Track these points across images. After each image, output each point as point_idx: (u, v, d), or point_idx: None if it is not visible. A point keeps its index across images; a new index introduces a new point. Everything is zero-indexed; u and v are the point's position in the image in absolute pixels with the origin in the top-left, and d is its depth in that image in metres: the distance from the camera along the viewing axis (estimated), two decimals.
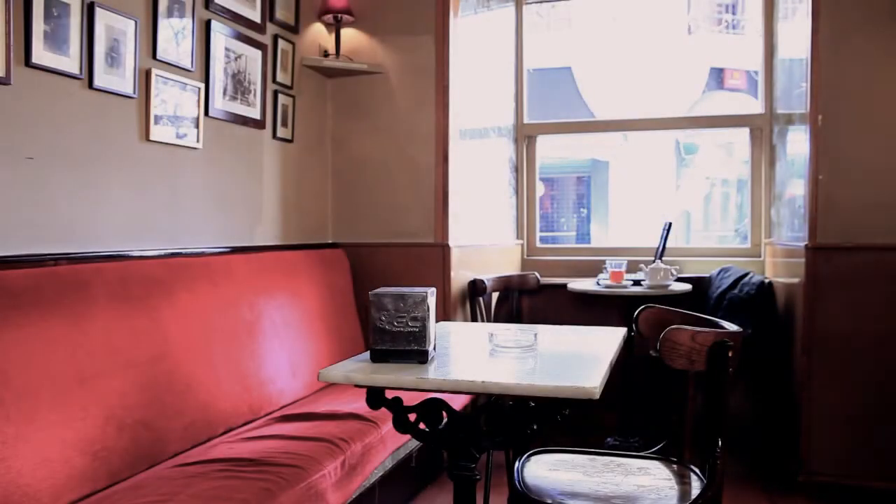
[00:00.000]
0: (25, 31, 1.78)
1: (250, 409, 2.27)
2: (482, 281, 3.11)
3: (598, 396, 1.25)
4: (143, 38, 2.16)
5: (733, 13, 8.52)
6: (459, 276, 3.11)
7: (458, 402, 2.40)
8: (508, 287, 3.32)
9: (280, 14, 2.87)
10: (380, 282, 2.72)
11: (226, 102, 2.55)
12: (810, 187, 2.59)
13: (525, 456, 1.75)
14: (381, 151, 3.20)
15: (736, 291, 2.95)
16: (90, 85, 1.98)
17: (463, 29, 3.17)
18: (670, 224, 3.25)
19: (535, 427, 1.44)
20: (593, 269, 3.44)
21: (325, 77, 3.22)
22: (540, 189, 3.85)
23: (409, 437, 1.86)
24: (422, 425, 1.53)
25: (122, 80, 2.08)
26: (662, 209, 7.07)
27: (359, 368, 1.45)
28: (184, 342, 2.06)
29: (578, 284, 3.20)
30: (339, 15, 3.06)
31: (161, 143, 2.25)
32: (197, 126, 2.40)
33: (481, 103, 3.43)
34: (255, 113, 2.72)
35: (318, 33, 3.16)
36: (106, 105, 2.05)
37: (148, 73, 2.18)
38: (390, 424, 1.61)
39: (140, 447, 1.81)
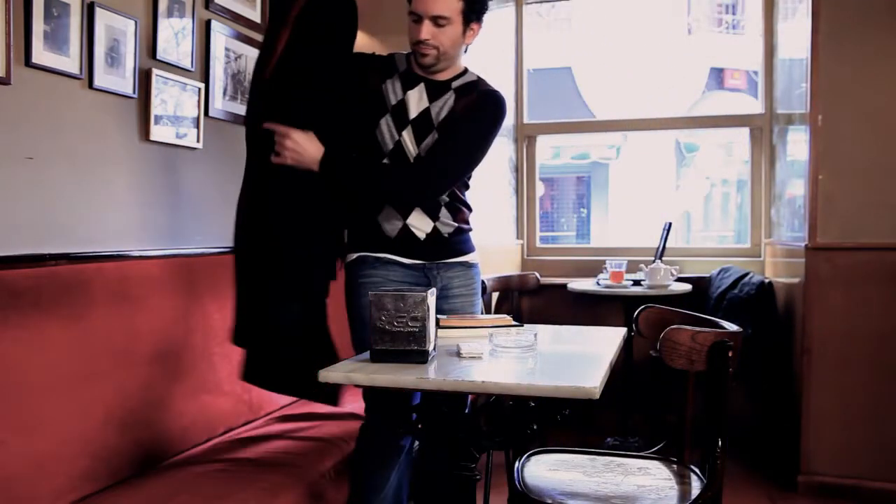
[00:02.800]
0: (25, 31, 1.78)
1: (250, 409, 2.27)
2: (482, 281, 3.11)
3: (598, 396, 1.24)
4: (143, 38, 2.16)
5: (733, 13, 8.53)
6: None
7: None
8: (508, 287, 3.32)
9: None
10: None
11: (226, 102, 2.55)
12: (810, 187, 2.59)
13: (525, 456, 1.75)
14: None
15: (736, 291, 2.95)
16: (90, 85, 1.98)
17: None
18: (670, 224, 3.25)
19: (535, 427, 1.44)
20: (593, 269, 3.44)
21: None
22: (540, 189, 3.85)
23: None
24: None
25: (122, 80, 2.08)
26: (662, 209, 7.09)
27: (359, 368, 1.44)
28: (184, 342, 2.06)
29: (578, 284, 3.20)
30: None
31: (161, 143, 2.25)
32: (197, 126, 2.40)
33: None
34: None
35: None
36: (106, 105, 2.05)
37: (148, 73, 2.18)
38: None
39: (140, 447, 1.81)
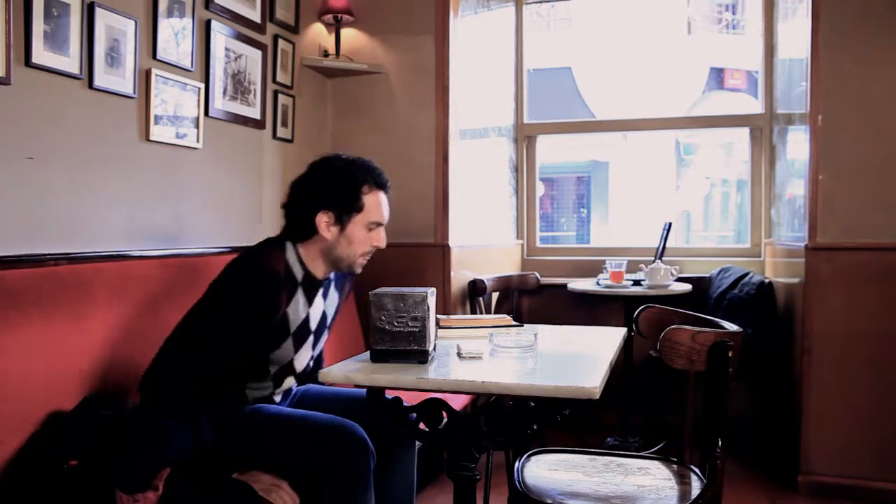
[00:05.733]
0: (25, 31, 1.78)
1: None
2: (482, 281, 3.11)
3: (598, 396, 1.25)
4: (143, 38, 2.16)
5: (733, 13, 8.53)
6: (459, 276, 3.11)
7: (457, 402, 2.40)
8: (508, 287, 3.32)
9: (280, 14, 2.87)
10: (380, 282, 2.71)
11: (226, 102, 2.55)
12: (810, 187, 2.59)
13: (525, 456, 1.75)
14: (382, 151, 3.18)
15: (736, 291, 2.95)
16: (90, 85, 1.98)
17: (463, 29, 3.17)
18: (670, 224, 3.25)
19: (535, 427, 1.44)
20: (593, 269, 3.44)
21: (325, 77, 3.22)
22: (540, 189, 3.85)
23: None
24: (422, 425, 1.53)
25: (122, 80, 2.08)
26: (662, 209, 7.08)
27: (359, 368, 1.45)
28: None
29: (578, 284, 3.20)
30: (339, 15, 3.06)
31: (161, 143, 2.25)
32: (197, 126, 2.40)
33: (481, 103, 3.43)
34: (255, 113, 2.72)
35: (318, 33, 3.16)
36: (106, 105, 2.05)
37: (148, 73, 2.18)
38: None
39: None
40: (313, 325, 1.78)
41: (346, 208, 1.71)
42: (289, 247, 1.73)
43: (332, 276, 1.85)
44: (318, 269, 1.76)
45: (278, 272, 1.65)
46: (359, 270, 1.79)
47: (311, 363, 1.87)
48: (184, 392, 1.57)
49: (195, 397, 1.57)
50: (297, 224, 1.74)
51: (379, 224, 1.77)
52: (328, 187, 1.71)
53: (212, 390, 1.61)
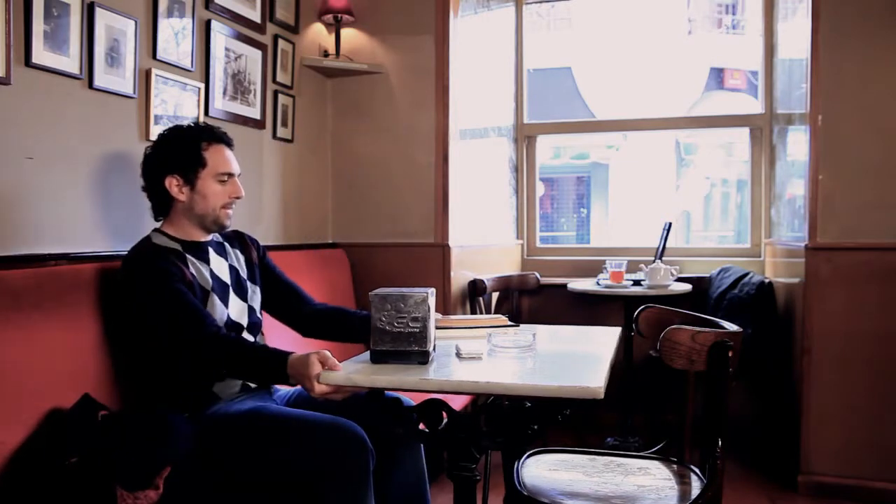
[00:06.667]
0: (25, 31, 1.77)
1: None
2: (482, 281, 3.11)
3: (602, 396, 1.24)
4: (143, 38, 2.16)
5: (733, 13, 8.53)
6: (459, 276, 3.11)
7: (457, 402, 2.40)
8: (508, 287, 3.32)
9: (280, 14, 2.87)
10: (380, 282, 2.72)
11: (226, 102, 2.55)
12: (810, 187, 2.59)
13: (525, 456, 1.75)
14: (381, 151, 3.20)
15: (736, 291, 2.95)
16: (90, 85, 1.98)
17: (463, 29, 3.17)
18: (670, 224, 3.25)
19: (535, 427, 1.44)
20: (593, 269, 3.44)
21: (325, 77, 3.22)
22: (540, 189, 3.85)
23: None
24: (422, 426, 1.53)
25: (122, 80, 2.08)
26: (662, 209, 7.07)
27: (359, 369, 1.44)
28: None
29: (578, 284, 3.20)
30: (339, 15, 3.06)
31: None
32: None
33: (481, 103, 3.43)
34: (255, 113, 2.72)
35: (318, 33, 3.16)
36: (106, 105, 2.05)
37: (148, 73, 2.18)
38: None
39: None
40: (226, 279, 1.83)
41: (191, 167, 1.76)
42: (152, 234, 1.80)
43: (220, 238, 1.91)
44: (194, 234, 1.82)
45: (157, 250, 1.72)
46: (227, 223, 1.83)
47: (259, 315, 1.92)
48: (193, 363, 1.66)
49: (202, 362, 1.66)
50: (155, 199, 1.81)
51: (230, 175, 1.81)
52: (168, 153, 1.77)
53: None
